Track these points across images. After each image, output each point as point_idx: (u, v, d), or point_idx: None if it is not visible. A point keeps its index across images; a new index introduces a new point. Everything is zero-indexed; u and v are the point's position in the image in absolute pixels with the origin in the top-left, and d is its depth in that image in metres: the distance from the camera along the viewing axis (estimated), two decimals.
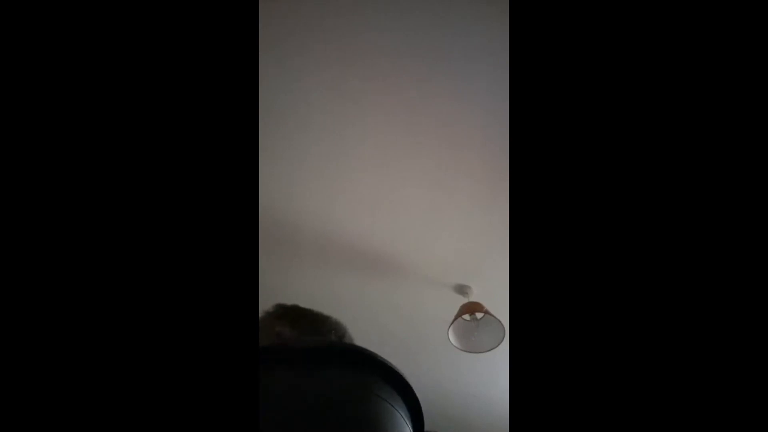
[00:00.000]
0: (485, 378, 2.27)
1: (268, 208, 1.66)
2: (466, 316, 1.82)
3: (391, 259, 1.82)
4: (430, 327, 2.06)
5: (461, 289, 1.88)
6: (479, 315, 1.76)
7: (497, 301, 1.86)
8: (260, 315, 0.54)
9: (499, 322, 1.67)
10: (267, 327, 0.51)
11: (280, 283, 1.93)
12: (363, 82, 1.25)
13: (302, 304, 0.57)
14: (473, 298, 1.86)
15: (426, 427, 0.32)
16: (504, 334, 1.68)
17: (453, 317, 1.76)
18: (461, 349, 1.79)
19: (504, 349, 1.83)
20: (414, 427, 0.34)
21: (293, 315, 0.53)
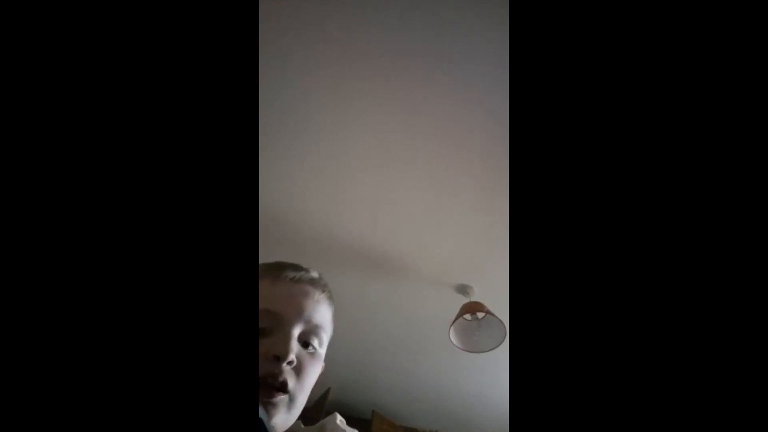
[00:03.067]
0: (486, 378, 2.27)
1: (268, 208, 1.66)
2: (468, 316, 1.82)
3: (392, 259, 1.82)
4: (431, 327, 2.06)
5: (462, 289, 1.88)
6: (480, 315, 1.76)
7: (499, 301, 1.85)
8: None
9: (501, 321, 1.67)
10: None
11: None
12: (363, 82, 1.25)
13: None
14: (474, 298, 1.86)
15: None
16: (505, 334, 1.68)
17: (454, 317, 1.76)
18: (462, 349, 1.79)
19: (505, 348, 1.83)
20: None
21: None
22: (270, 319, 0.45)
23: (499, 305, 1.86)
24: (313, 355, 0.47)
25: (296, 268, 0.52)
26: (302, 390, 0.45)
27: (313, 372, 0.47)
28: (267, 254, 1.64)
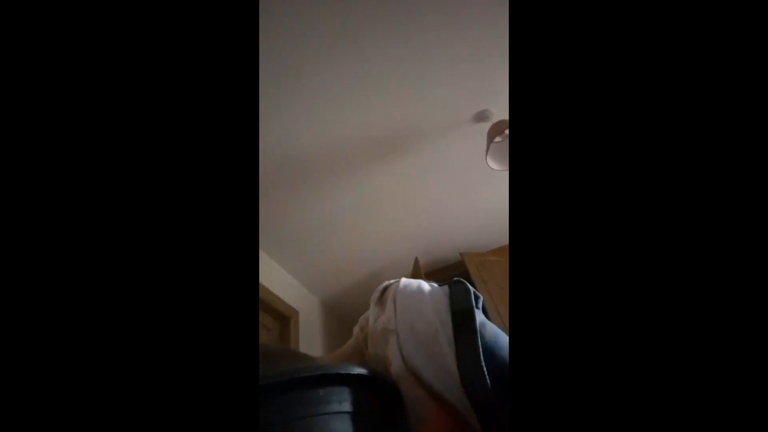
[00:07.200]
0: None
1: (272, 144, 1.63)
2: (498, 138, 1.80)
3: (407, 130, 1.77)
4: (468, 163, 2.08)
5: (481, 116, 1.82)
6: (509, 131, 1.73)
7: None
8: None
9: None
10: None
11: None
12: None
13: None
14: (494, 120, 1.81)
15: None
16: None
17: (486, 146, 1.76)
18: (506, 170, 1.83)
19: None
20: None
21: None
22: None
23: None
24: None
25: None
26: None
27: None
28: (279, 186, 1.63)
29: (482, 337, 0.36)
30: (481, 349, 0.35)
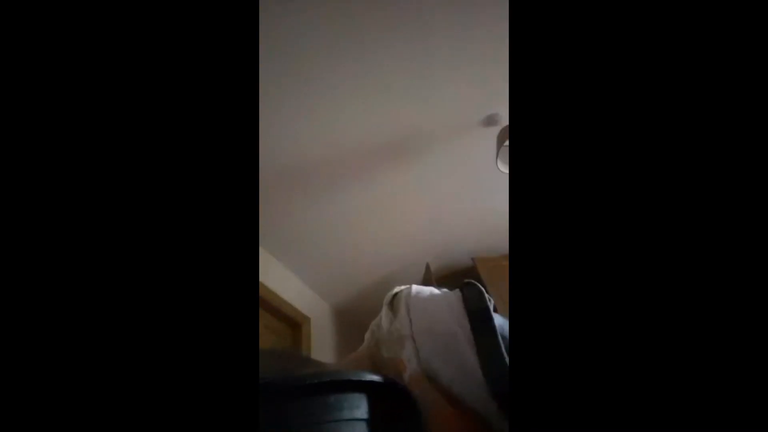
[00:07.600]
0: None
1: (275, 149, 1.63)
2: (507, 142, 1.78)
3: (418, 134, 1.77)
4: (479, 172, 2.07)
5: (491, 120, 1.81)
6: None
7: None
8: None
9: None
10: None
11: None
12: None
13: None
14: (504, 123, 1.80)
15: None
16: None
17: (496, 149, 1.74)
18: None
19: None
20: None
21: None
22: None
23: None
24: None
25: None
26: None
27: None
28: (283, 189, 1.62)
29: (503, 338, 0.36)
30: (503, 347, 0.35)
